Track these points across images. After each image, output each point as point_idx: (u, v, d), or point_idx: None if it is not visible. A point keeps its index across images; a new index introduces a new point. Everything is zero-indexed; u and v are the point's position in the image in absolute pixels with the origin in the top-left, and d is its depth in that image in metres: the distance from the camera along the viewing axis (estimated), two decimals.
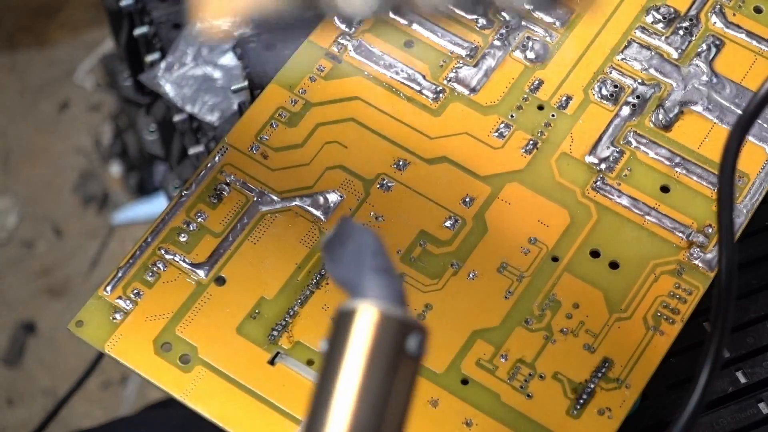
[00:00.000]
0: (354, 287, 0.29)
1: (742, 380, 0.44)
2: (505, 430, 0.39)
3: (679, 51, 0.45)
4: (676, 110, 0.44)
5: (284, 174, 0.43)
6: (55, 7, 1.13)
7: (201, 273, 0.42)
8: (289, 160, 0.43)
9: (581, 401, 0.40)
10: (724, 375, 0.44)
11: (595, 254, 0.42)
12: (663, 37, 0.45)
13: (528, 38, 0.45)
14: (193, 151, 0.54)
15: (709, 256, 0.42)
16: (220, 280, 0.42)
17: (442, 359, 0.40)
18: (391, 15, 0.46)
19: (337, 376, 0.28)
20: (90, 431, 0.56)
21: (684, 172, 0.43)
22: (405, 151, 0.43)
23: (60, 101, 1.08)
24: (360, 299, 0.28)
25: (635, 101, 0.44)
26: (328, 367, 0.28)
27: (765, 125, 0.44)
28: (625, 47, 0.45)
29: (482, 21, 0.46)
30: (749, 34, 0.45)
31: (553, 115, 0.44)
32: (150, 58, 0.56)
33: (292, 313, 0.41)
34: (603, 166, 0.43)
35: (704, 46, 0.45)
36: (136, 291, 0.41)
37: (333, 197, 0.43)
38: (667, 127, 0.44)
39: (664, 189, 0.43)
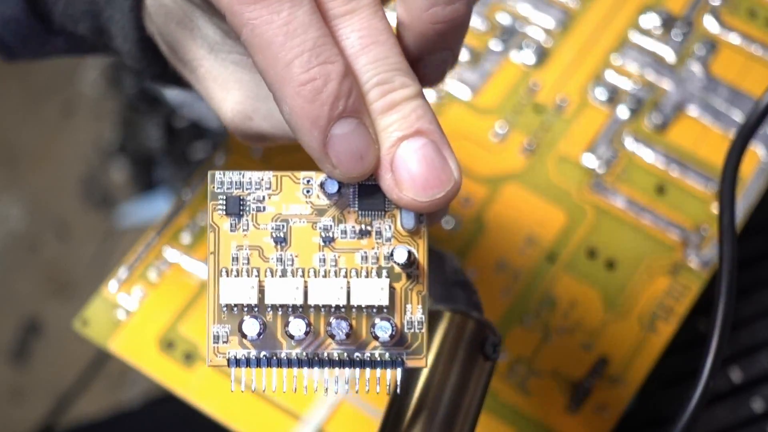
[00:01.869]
0: (437, 297, 0.32)
1: (737, 378, 0.44)
2: (503, 427, 0.40)
3: (675, 54, 0.45)
4: (672, 112, 0.44)
5: None
6: None
7: (204, 272, 0.42)
8: (290, 162, 0.44)
9: (578, 399, 0.40)
10: (719, 373, 0.44)
11: (591, 254, 0.42)
12: (659, 41, 0.46)
13: (525, 42, 0.46)
14: (195, 153, 0.54)
15: (703, 256, 0.42)
16: None
17: None
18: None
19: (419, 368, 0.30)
20: (94, 426, 0.56)
21: (679, 173, 0.43)
22: None
23: (64, 104, 1.09)
24: (443, 304, 0.31)
25: (631, 104, 0.45)
26: None
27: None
28: (622, 50, 0.45)
29: (481, 25, 0.46)
30: (744, 37, 0.46)
31: (550, 118, 0.44)
32: None
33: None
34: (599, 167, 0.44)
35: (699, 49, 0.45)
36: (140, 290, 0.42)
37: None
38: (663, 129, 0.44)
39: (660, 190, 0.43)
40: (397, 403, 0.31)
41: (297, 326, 0.28)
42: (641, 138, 0.44)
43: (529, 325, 0.41)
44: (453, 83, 0.45)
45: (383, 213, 0.29)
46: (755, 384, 0.44)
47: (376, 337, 0.28)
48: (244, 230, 0.28)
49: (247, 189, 0.29)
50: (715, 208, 0.43)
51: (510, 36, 0.46)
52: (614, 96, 0.45)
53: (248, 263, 0.28)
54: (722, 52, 0.45)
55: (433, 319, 0.31)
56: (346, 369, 0.29)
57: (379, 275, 0.28)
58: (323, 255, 0.28)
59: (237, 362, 0.29)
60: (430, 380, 0.31)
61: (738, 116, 0.44)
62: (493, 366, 0.32)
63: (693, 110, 0.44)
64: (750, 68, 0.45)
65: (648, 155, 0.44)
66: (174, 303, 0.42)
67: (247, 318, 0.28)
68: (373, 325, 0.28)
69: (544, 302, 0.42)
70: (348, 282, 0.28)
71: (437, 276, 0.33)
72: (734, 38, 0.46)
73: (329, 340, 0.28)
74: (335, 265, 0.28)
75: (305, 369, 0.29)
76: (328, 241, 0.29)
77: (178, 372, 0.41)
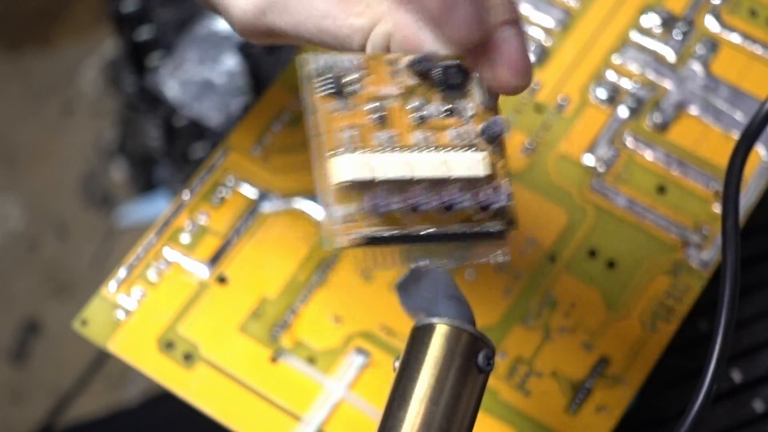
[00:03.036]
0: (429, 311, 0.32)
1: (738, 378, 0.44)
2: (504, 427, 0.40)
3: (676, 54, 0.45)
4: (673, 112, 0.44)
5: (285, 176, 0.44)
6: (58, 10, 1.13)
7: (203, 272, 0.42)
8: (290, 162, 0.44)
9: (579, 399, 0.40)
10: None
11: (592, 254, 0.42)
12: (659, 40, 0.46)
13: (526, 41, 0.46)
14: (195, 152, 0.54)
15: (704, 256, 0.42)
16: (223, 280, 0.42)
17: None
18: None
19: (413, 381, 0.31)
20: (93, 424, 0.56)
21: (680, 173, 0.43)
22: None
23: (64, 103, 1.09)
24: (436, 318, 0.32)
25: (632, 103, 0.45)
26: (404, 373, 0.31)
27: None
28: (622, 50, 0.45)
29: None
30: (745, 36, 0.46)
31: (550, 117, 0.44)
32: (153, 61, 0.56)
33: (293, 312, 0.42)
34: (600, 167, 0.44)
35: (700, 49, 0.45)
36: (139, 290, 0.42)
37: None
38: (664, 128, 0.44)
39: (661, 190, 0.43)
40: (391, 416, 0.31)
41: (421, 198, 0.29)
42: (642, 137, 0.44)
43: (530, 324, 0.41)
44: None
45: (465, 93, 0.31)
46: (756, 384, 0.44)
47: (486, 207, 0.29)
48: (346, 110, 0.29)
49: (343, 70, 0.29)
50: (716, 208, 0.43)
51: None
52: (615, 95, 0.45)
53: (354, 142, 0.29)
54: (723, 51, 0.45)
55: (425, 333, 0.32)
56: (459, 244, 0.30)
57: (473, 149, 0.30)
58: (421, 134, 0.29)
59: (370, 240, 0.29)
60: (424, 393, 0.31)
61: (739, 116, 0.44)
62: (486, 378, 0.32)
63: (694, 110, 0.44)
64: (751, 68, 0.45)
65: (649, 155, 0.44)
66: (174, 303, 0.42)
67: (374, 190, 0.29)
68: (477, 193, 0.29)
69: (544, 302, 0.41)
70: (447, 156, 0.29)
71: (428, 291, 0.33)
72: (735, 38, 0.46)
73: (444, 215, 0.29)
74: (433, 142, 0.30)
75: (426, 246, 0.30)
76: (422, 119, 0.30)
77: (177, 372, 0.41)
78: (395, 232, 0.29)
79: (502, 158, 0.30)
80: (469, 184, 0.30)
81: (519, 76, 0.31)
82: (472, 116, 0.30)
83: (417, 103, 0.30)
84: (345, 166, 0.29)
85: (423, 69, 0.30)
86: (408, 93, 0.30)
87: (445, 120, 0.30)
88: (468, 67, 0.31)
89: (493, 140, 0.30)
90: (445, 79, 0.30)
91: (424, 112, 0.30)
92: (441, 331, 0.32)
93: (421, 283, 0.33)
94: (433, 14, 0.30)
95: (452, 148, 0.30)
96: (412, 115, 0.30)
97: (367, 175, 0.29)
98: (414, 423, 0.31)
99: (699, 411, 0.33)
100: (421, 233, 0.29)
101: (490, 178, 0.30)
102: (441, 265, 0.31)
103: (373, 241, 0.29)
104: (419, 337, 0.32)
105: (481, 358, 0.32)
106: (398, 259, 0.30)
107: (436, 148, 0.29)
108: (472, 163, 0.30)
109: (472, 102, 0.31)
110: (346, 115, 0.29)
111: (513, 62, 0.30)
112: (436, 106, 0.30)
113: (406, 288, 0.34)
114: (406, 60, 0.30)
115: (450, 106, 0.30)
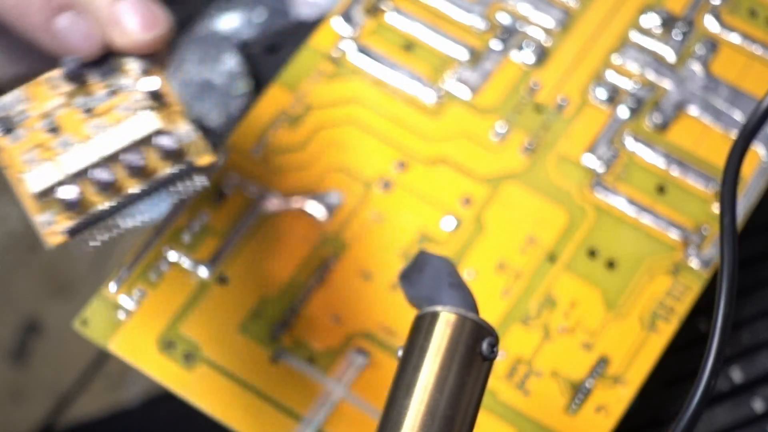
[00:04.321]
0: (432, 300, 0.32)
1: (738, 378, 0.44)
2: (503, 427, 0.40)
3: (675, 54, 0.45)
4: (672, 112, 0.44)
5: (286, 175, 0.44)
6: None
7: (204, 272, 0.42)
8: (290, 162, 0.44)
9: (578, 399, 0.40)
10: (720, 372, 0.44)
11: (592, 254, 0.42)
12: (659, 40, 0.46)
13: (526, 41, 0.46)
14: None
15: (704, 256, 0.42)
16: (223, 280, 0.42)
17: None
18: (389, 19, 0.46)
19: (417, 370, 0.31)
20: (94, 424, 0.56)
21: (680, 173, 0.44)
22: (404, 152, 0.44)
23: None
24: (439, 306, 0.32)
25: (632, 103, 0.45)
26: (407, 361, 0.32)
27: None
28: (622, 50, 0.46)
29: (481, 24, 0.46)
30: (744, 36, 0.46)
31: (550, 117, 0.44)
32: None
33: (294, 312, 0.42)
34: (600, 167, 0.44)
35: (700, 49, 0.45)
36: (140, 290, 0.42)
37: (333, 198, 0.43)
38: (663, 128, 0.44)
39: (660, 190, 0.43)
40: (396, 405, 0.31)
41: (102, 175, 0.32)
42: (642, 138, 0.44)
43: (529, 324, 0.41)
44: (453, 83, 0.45)
45: (121, 71, 0.34)
46: (756, 384, 0.44)
47: (165, 153, 0.32)
48: (23, 138, 0.33)
49: (8, 109, 0.33)
50: (716, 208, 0.43)
51: (510, 35, 0.46)
52: (615, 96, 0.45)
53: (38, 159, 0.33)
54: (723, 51, 0.45)
55: (428, 322, 0.32)
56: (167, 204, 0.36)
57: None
58: (93, 123, 0.33)
59: (73, 231, 0.32)
60: (428, 381, 0.31)
61: (739, 116, 0.44)
62: (491, 365, 0.32)
63: (693, 110, 0.44)
64: (751, 68, 0.45)
65: (648, 155, 0.44)
66: (174, 303, 0.42)
67: (60, 189, 0.32)
68: (156, 145, 0.33)
69: (544, 302, 0.42)
70: (120, 128, 0.33)
71: (431, 279, 0.33)
72: (735, 38, 0.46)
73: (129, 181, 0.33)
74: (107, 124, 0.33)
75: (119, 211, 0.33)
76: (89, 111, 0.33)
77: (178, 372, 0.41)
78: (91, 213, 0.32)
79: (170, 106, 0.34)
80: (150, 140, 0.33)
81: (146, 26, 0.34)
82: (135, 86, 0.34)
83: (81, 100, 0.34)
84: (33, 180, 0.32)
85: (74, 73, 0.34)
86: (71, 96, 0.34)
87: (112, 101, 0.34)
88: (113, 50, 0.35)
89: (157, 96, 0.33)
90: (98, 68, 0.34)
91: (91, 105, 0.33)
92: (444, 319, 0.32)
93: (424, 272, 0.33)
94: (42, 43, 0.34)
95: (126, 120, 0.33)
96: (79, 113, 0.33)
97: (55, 179, 0.32)
98: (418, 411, 0.31)
99: (697, 408, 0.33)
100: (115, 204, 0.33)
101: (167, 127, 0.33)
102: (160, 210, 0.35)
103: (76, 231, 0.32)
104: (422, 326, 0.32)
105: (484, 345, 0.32)
106: (114, 227, 0.33)
107: (112, 126, 0.33)
108: (141, 123, 0.33)
109: (131, 74, 0.34)
110: (24, 141, 0.33)
111: (136, 25, 0.34)
112: (99, 95, 0.34)
113: (408, 277, 0.34)
114: (58, 71, 0.34)
115: (112, 88, 0.34)
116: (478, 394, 0.32)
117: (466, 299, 0.33)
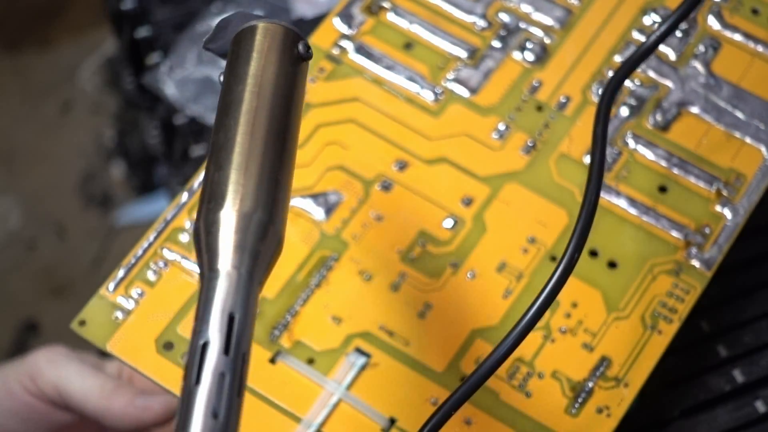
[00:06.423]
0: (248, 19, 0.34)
1: (740, 379, 0.44)
2: (504, 428, 0.40)
3: (677, 52, 0.45)
4: (674, 111, 0.44)
5: None
6: (57, 10, 1.13)
7: None
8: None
9: (580, 400, 0.40)
10: (722, 374, 0.44)
11: (593, 254, 0.42)
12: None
13: (527, 40, 0.46)
14: (194, 151, 0.54)
15: (706, 255, 0.42)
16: None
17: (442, 358, 0.40)
18: (390, 18, 0.46)
19: (239, 82, 0.32)
20: None
21: (681, 172, 0.43)
22: (405, 151, 0.44)
23: (62, 103, 1.09)
24: (254, 21, 0.33)
25: (633, 102, 0.44)
26: (229, 78, 0.33)
27: (761, 126, 0.44)
28: (623, 49, 0.45)
29: (482, 23, 0.46)
30: (746, 35, 0.46)
31: (551, 116, 0.44)
32: (152, 59, 0.56)
33: (292, 313, 0.41)
34: None
35: (702, 48, 0.45)
36: (138, 290, 0.42)
37: (333, 197, 0.43)
38: (665, 128, 0.44)
39: (662, 189, 0.43)
40: (222, 127, 0.32)
41: None
42: (643, 137, 0.44)
43: None
44: (453, 82, 0.45)
45: None
46: (758, 385, 0.44)
47: None
48: None
49: None
50: (718, 208, 0.43)
51: (511, 34, 0.46)
52: (616, 95, 0.44)
53: None
54: (724, 50, 0.45)
55: (243, 38, 0.33)
56: None
57: None
58: None
59: None
60: (250, 88, 0.32)
61: (740, 115, 0.44)
62: (307, 66, 0.34)
63: (695, 109, 0.44)
64: (752, 66, 0.45)
65: (650, 154, 0.44)
66: (173, 303, 0.41)
67: None
68: None
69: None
70: None
71: (239, 23, 0.34)
72: (737, 37, 0.46)
73: None
74: None
75: None
76: None
77: (177, 372, 0.40)
78: None
79: None
80: None
81: None
82: None
83: None
84: None
85: None
86: None
87: None
88: None
89: None
90: None
91: None
92: (262, 29, 0.33)
93: (229, 27, 0.34)
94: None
95: None
96: None
97: None
98: (247, 120, 0.31)
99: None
100: None
101: None
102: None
103: None
104: (237, 42, 0.33)
105: (300, 47, 0.33)
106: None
107: None
108: None
109: None
110: None
111: None
112: None
113: (214, 40, 0.35)
114: None
115: None
116: (301, 89, 0.33)
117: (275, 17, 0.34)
